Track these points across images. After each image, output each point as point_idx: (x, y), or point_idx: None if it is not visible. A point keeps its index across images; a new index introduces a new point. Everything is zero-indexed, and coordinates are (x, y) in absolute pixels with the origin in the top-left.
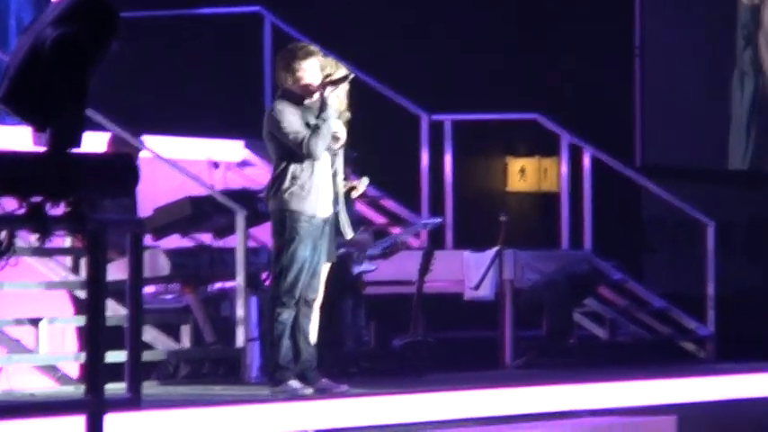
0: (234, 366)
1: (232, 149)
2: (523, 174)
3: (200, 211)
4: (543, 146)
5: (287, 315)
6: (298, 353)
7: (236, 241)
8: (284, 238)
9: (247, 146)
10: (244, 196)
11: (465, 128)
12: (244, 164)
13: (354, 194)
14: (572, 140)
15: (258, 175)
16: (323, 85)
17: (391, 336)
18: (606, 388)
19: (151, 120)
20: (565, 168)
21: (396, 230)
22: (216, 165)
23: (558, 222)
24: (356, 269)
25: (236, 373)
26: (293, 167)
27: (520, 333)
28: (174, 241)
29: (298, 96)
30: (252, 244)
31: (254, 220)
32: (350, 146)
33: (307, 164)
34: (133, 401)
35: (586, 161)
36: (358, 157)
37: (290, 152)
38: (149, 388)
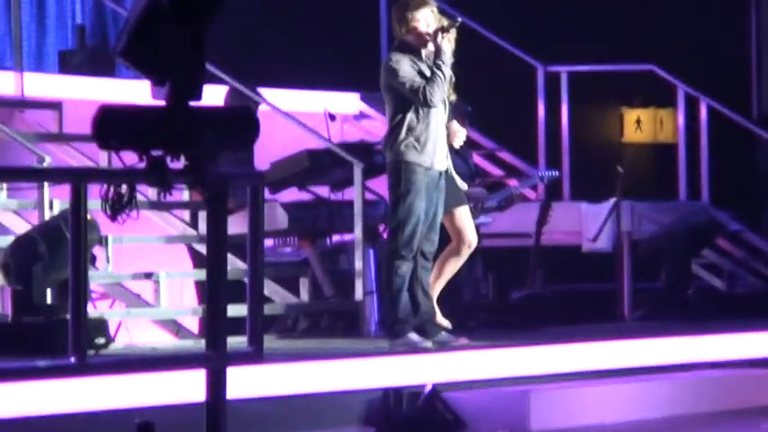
0: (353, 319)
1: (348, 102)
2: (639, 125)
3: (318, 164)
4: (659, 97)
5: (405, 268)
6: (416, 306)
7: (353, 194)
8: (400, 191)
9: (363, 98)
10: (361, 149)
11: (580, 79)
12: (360, 116)
13: (456, 143)
14: (688, 91)
15: (375, 127)
16: (434, 33)
17: (509, 288)
18: (725, 340)
19: (267, 73)
20: (681, 119)
21: (512, 182)
22: (333, 117)
23: (675, 173)
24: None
25: (354, 326)
26: (409, 119)
27: (638, 285)
28: (292, 194)
29: (414, 47)
30: (369, 196)
31: (371, 172)
32: (463, 100)
33: (422, 115)
34: (255, 355)
35: (703, 112)
36: (472, 111)
37: (407, 103)
38: (269, 342)
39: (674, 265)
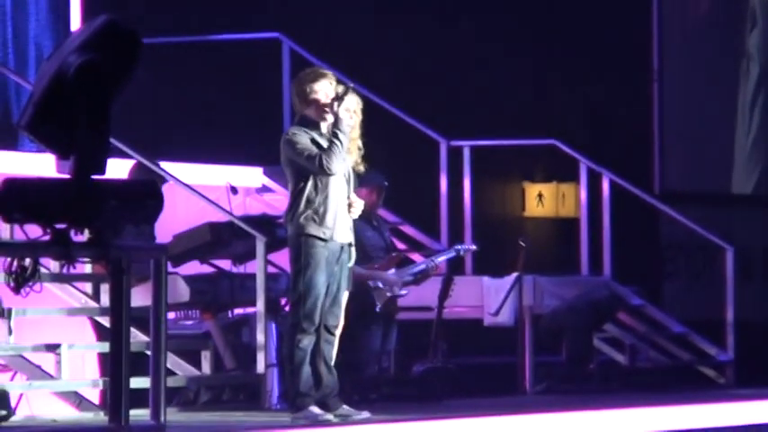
0: (254, 393)
1: (251, 175)
2: (541, 199)
3: (220, 237)
4: (561, 171)
5: (307, 341)
6: (318, 379)
7: (255, 267)
8: (301, 264)
9: (266, 172)
10: (263, 222)
11: (483, 153)
12: (263, 189)
13: (352, 216)
14: (590, 166)
15: (277, 201)
16: (331, 102)
17: (411, 362)
18: (626, 414)
19: (170, 146)
20: (583, 194)
21: (416, 257)
22: (235, 191)
23: (577, 248)
24: (379, 307)
25: (256, 399)
26: (308, 191)
27: (540, 359)
28: (194, 267)
29: (313, 121)
30: (271, 270)
31: (273, 245)
32: (380, 173)
33: (321, 187)
34: (157, 428)
35: (605, 186)
36: (387, 186)
37: (306, 175)
38: (170, 414)
39: (576, 340)
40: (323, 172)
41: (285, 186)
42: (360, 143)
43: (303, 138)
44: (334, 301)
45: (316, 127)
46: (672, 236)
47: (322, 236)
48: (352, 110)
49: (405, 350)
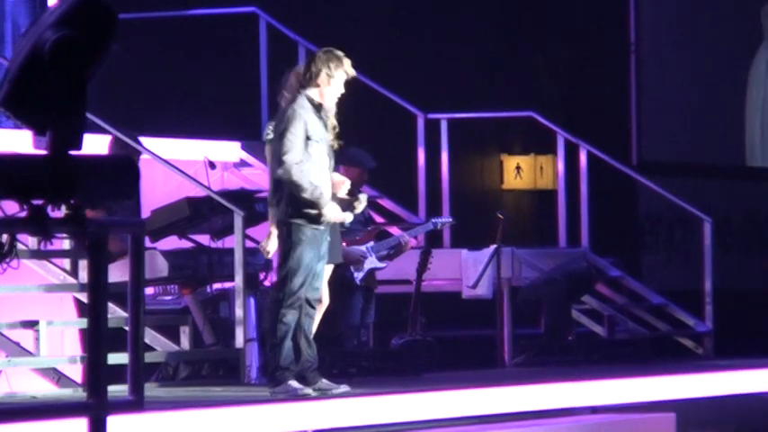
0: (233, 367)
1: (229, 150)
2: (519, 171)
3: (198, 212)
4: (539, 144)
5: (291, 317)
6: (298, 354)
7: (234, 242)
8: (290, 242)
9: (244, 147)
10: (241, 197)
11: (461, 126)
12: (241, 164)
13: (356, 210)
14: (567, 138)
15: (255, 175)
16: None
17: (390, 335)
18: (605, 385)
19: (148, 121)
20: (561, 166)
21: (395, 230)
22: (213, 165)
23: (555, 220)
24: (357, 276)
25: (235, 374)
26: None
27: (518, 331)
28: (172, 243)
29: (317, 103)
30: (250, 245)
31: (251, 220)
32: (369, 154)
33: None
34: (136, 404)
35: (582, 158)
36: (376, 168)
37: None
38: (149, 390)
39: (554, 312)
40: (282, 169)
41: (263, 161)
42: (335, 122)
43: (300, 127)
44: (316, 275)
45: (318, 108)
46: (650, 207)
47: (311, 215)
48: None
49: (384, 323)
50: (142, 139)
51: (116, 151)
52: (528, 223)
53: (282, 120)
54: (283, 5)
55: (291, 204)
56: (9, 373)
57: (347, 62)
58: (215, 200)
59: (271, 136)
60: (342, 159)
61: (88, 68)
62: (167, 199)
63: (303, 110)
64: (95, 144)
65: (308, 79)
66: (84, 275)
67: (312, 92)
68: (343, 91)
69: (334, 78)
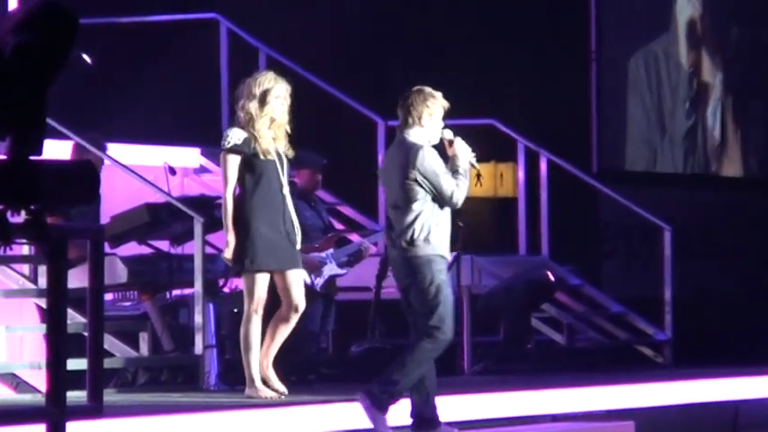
0: (192, 374)
1: (189, 156)
2: (479, 179)
3: (158, 218)
4: (499, 151)
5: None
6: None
7: (193, 248)
8: (432, 279)
9: (204, 153)
10: (201, 203)
11: None
12: (201, 170)
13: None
14: (528, 145)
15: (215, 181)
16: (450, 145)
17: (350, 342)
18: (564, 393)
19: (108, 127)
20: (521, 174)
21: (354, 237)
22: (173, 171)
23: (515, 228)
24: (317, 283)
25: (194, 380)
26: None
27: (477, 339)
28: (132, 249)
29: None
30: (209, 251)
31: (211, 226)
32: (317, 153)
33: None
34: (95, 410)
35: (543, 166)
36: (327, 165)
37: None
38: (108, 396)
39: (513, 320)
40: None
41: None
42: (288, 128)
43: (440, 161)
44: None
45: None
46: (610, 215)
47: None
48: (282, 96)
49: (343, 330)
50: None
51: (79, 157)
52: (488, 231)
53: (411, 163)
54: (244, 12)
55: (431, 240)
56: None
57: (439, 95)
58: (175, 206)
59: (230, 144)
60: (290, 164)
61: (49, 74)
62: (127, 205)
63: (428, 147)
64: (54, 150)
65: (411, 123)
66: (43, 281)
67: (416, 131)
68: (442, 125)
69: (435, 115)
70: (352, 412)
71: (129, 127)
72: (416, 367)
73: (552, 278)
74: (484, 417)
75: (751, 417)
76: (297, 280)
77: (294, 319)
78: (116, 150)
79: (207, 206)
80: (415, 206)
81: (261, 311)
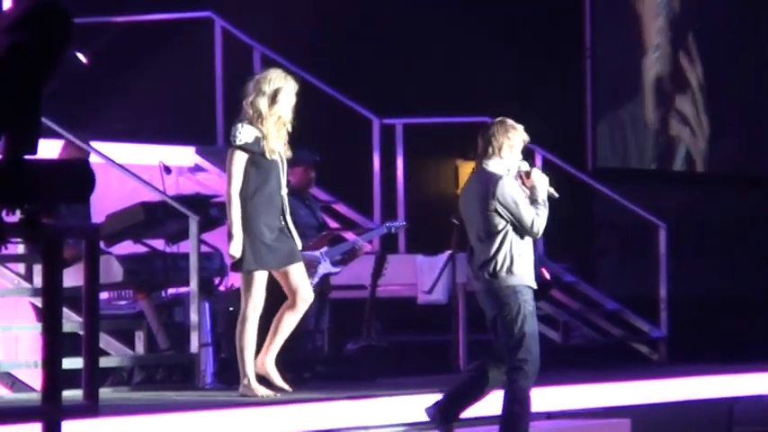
0: (188, 372)
1: (184, 155)
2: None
3: (153, 217)
4: None
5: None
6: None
7: (189, 247)
8: (519, 310)
9: (199, 151)
10: (196, 201)
11: (416, 131)
12: (196, 169)
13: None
14: None
15: (210, 180)
16: (527, 176)
17: (345, 340)
18: (559, 391)
19: (103, 126)
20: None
21: (349, 235)
22: (168, 170)
23: None
24: (311, 281)
25: (190, 378)
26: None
27: (473, 336)
28: (127, 247)
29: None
30: (205, 249)
31: (206, 225)
32: (309, 150)
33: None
34: (91, 409)
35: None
36: (319, 161)
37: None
38: (104, 394)
39: None
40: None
41: (218, 166)
42: (289, 127)
43: (521, 193)
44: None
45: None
46: (605, 213)
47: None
48: (291, 94)
49: (338, 329)
50: (98, 144)
51: (68, 155)
52: None
53: (491, 194)
54: (239, 10)
55: (514, 270)
56: None
57: (521, 128)
58: (170, 204)
59: (241, 141)
60: (295, 161)
61: (43, 73)
62: (122, 204)
63: (508, 177)
64: (48, 149)
65: (491, 154)
66: (38, 280)
67: (495, 162)
68: (521, 158)
69: (515, 148)
70: (348, 410)
71: (124, 126)
72: (523, 407)
73: (548, 276)
74: (479, 414)
75: (746, 414)
76: (300, 272)
77: (302, 310)
78: (111, 149)
79: (202, 205)
80: (497, 237)
81: (259, 311)
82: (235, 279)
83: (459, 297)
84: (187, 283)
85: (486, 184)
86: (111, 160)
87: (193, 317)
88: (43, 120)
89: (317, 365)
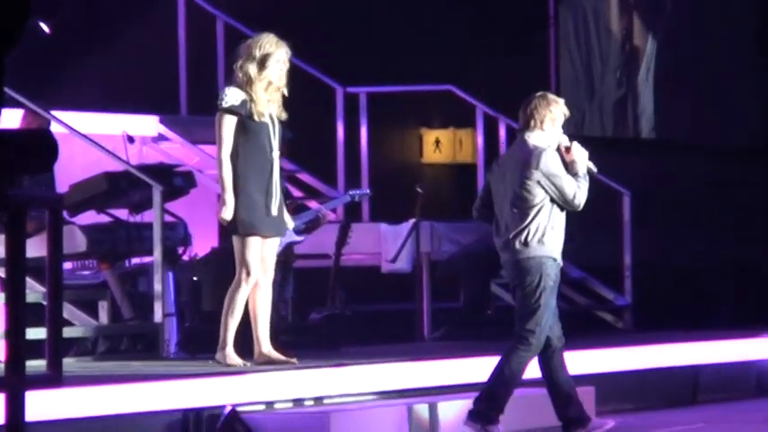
0: (152, 342)
1: (147, 124)
2: (438, 145)
3: (117, 187)
4: (458, 117)
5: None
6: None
7: (152, 216)
8: (541, 283)
9: (162, 121)
10: (160, 171)
11: (379, 100)
12: (159, 138)
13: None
14: (487, 111)
15: (174, 149)
16: (567, 153)
17: (309, 309)
18: None
19: (66, 95)
20: (480, 139)
21: (313, 204)
22: (131, 139)
23: (474, 194)
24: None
25: (154, 348)
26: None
27: (437, 305)
28: (91, 217)
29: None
30: (168, 219)
31: (170, 194)
32: (286, 126)
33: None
34: (54, 378)
35: (502, 132)
36: (293, 138)
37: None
38: (68, 365)
39: (473, 286)
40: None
41: (181, 135)
42: (285, 91)
43: (561, 164)
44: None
45: None
46: None
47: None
48: (282, 60)
49: (302, 298)
50: (61, 114)
51: (29, 125)
52: (447, 197)
53: (534, 165)
54: None
55: (545, 241)
56: None
57: (562, 101)
58: (133, 174)
59: (227, 104)
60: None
61: (5, 43)
62: (85, 173)
63: (550, 150)
64: (8, 118)
65: (533, 126)
66: (1, 250)
67: (537, 135)
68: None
69: (557, 121)
70: (313, 379)
71: (87, 95)
72: (514, 375)
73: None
74: (444, 383)
75: (710, 381)
76: (272, 249)
77: (263, 285)
78: (74, 119)
79: (166, 174)
80: (534, 209)
81: (253, 278)
82: (198, 248)
83: (423, 266)
84: (151, 253)
85: (528, 156)
86: (75, 130)
87: (157, 287)
88: (4, 89)
89: (281, 335)
